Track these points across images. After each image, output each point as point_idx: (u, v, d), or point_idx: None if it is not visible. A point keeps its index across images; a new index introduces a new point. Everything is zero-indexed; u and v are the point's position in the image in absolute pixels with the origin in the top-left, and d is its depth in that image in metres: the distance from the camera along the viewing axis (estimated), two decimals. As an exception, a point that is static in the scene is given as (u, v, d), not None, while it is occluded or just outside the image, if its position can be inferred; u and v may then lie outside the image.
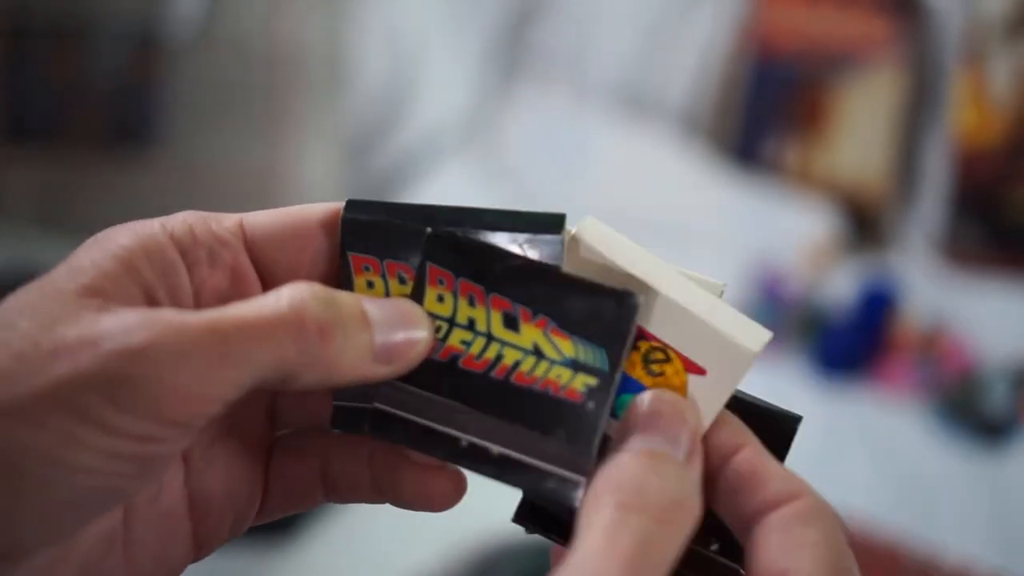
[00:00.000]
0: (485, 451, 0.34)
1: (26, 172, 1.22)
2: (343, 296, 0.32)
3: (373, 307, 0.33)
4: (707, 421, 0.33)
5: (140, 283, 0.32)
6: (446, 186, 1.31)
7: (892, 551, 0.96)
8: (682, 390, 0.33)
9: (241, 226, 0.34)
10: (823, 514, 0.32)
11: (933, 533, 0.97)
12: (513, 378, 0.34)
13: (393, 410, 0.34)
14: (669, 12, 1.41)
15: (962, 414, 1.09)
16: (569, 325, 0.33)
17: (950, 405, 1.10)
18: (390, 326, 0.33)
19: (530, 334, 0.33)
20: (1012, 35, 1.30)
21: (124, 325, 0.29)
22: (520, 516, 0.36)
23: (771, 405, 0.35)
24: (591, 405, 0.33)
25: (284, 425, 0.38)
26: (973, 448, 1.08)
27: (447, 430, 0.34)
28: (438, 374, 0.34)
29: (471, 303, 0.34)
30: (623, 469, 0.31)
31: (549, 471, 0.33)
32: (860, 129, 1.35)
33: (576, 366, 0.33)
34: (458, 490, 0.36)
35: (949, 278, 1.28)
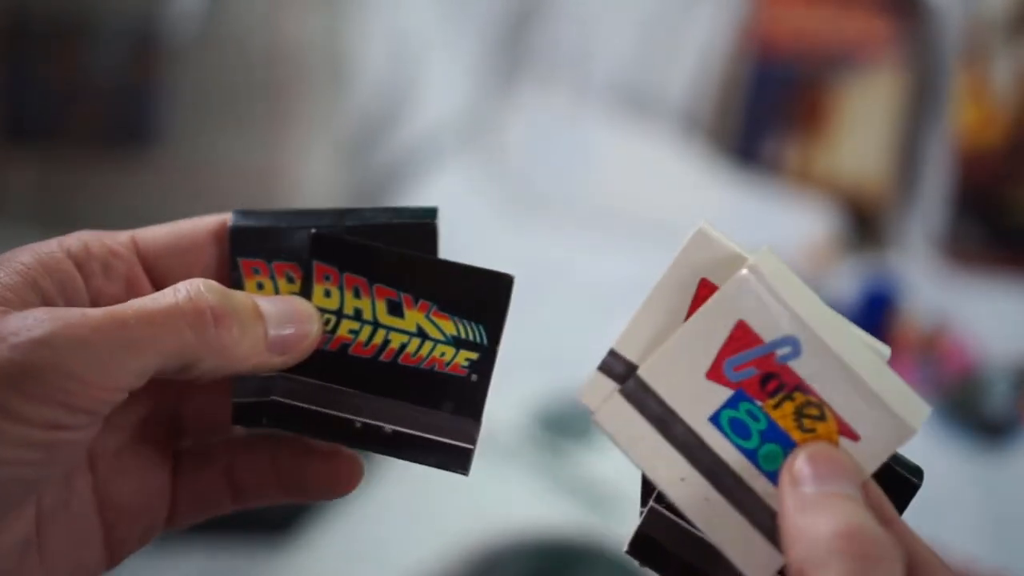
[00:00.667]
0: (379, 430, 0.36)
1: (26, 172, 1.22)
2: (236, 292, 0.34)
3: (265, 303, 0.35)
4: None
5: (40, 293, 0.33)
6: (446, 186, 1.31)
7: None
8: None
9: (134, 240, 0.36)
10: (883, 562, 0.29)
11: (933, 533, 0.97)
12: (400, 360, 0.36)
13: (290, 401, 0.36)
14: (669, 12, 1.41)
15: (963, 414, 1.09)
16: (449, 307, 0.35)
17: (951, 405, 1.10)
18: (281, 320, 0.35)
19: (413, 318, 0.36)
20: (1013, 35, 1.30)
21: (28, 321, 0.31)
22: (634, 549, 0.35)
23: (899, 459, 0.34)
24: (474, 377, 0.36)
25: (188, 434, 0.39)
26: (974, 448, 1.08)
27: (342, 414, 0.36)
28: (330, 363, 0.36)
29: (356, 295, 0.36)
30: (831, 516, 0.30)
31: (440, 442, 0.36)
32: (860, 129, 1.35)
33: (458, 343, 0.36)
34: (356, 474, 0.38)
35: (950, 278, 1.28)
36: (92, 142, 1.23)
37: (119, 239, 0.36)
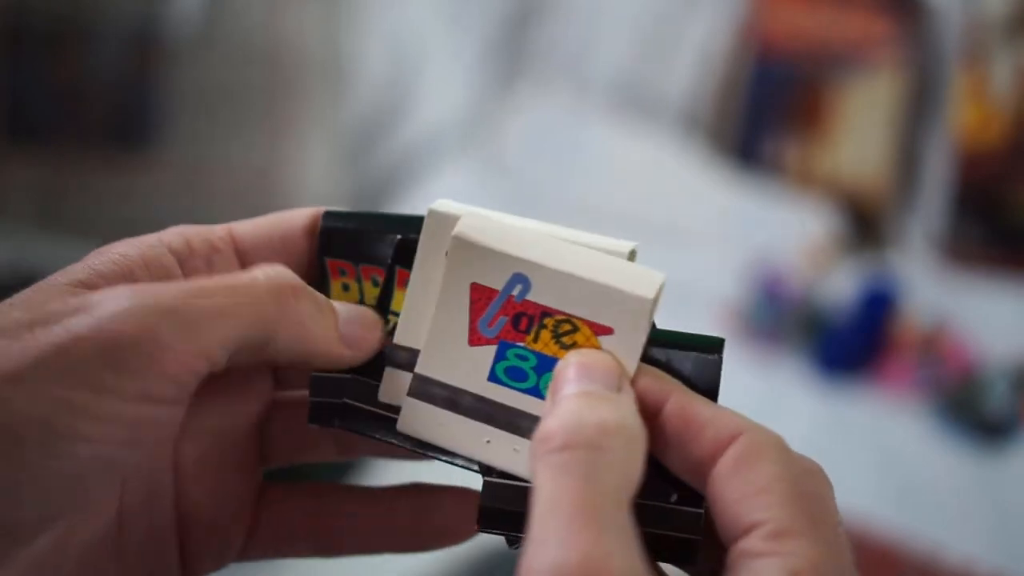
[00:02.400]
0: None
1: (26, 172, 1.22)
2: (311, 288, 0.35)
3: (337, 304, 0.35)
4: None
5: (133, 282, 0.33)
6: (446, 186, 1.31)
7: (892, 551, 0.96)
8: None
9: (231, 233, 0.36)
10: (768, 446, 0.30)
11: (933, 533, 0.97)
12: None
13: (359, 404, 0.36)
14: (669, 12, 1.41)
15: (963, 414, 1.09)
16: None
17: (951, 405, 1.10)
18: (349, 317, 0.35)
19: None
20: (1013, 34, 1.30)
21: (113, 293, 0.30)
22: (485, 525, 0.35)
23: (689, 336, 0.35)
24: None
25: (274, 456, 0.38)
26: (974, 448, 1.08)
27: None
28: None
29: None
30: (555, 416, 0.30)
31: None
32: (860, 129, 1.35)
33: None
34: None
35: (950, 278, 1.28)
36: (92, 142, 1.23)
37: (218, 233, 0.36)
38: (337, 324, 0.34)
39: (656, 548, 0.33)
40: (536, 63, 1.44)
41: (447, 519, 0.38)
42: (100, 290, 0.31)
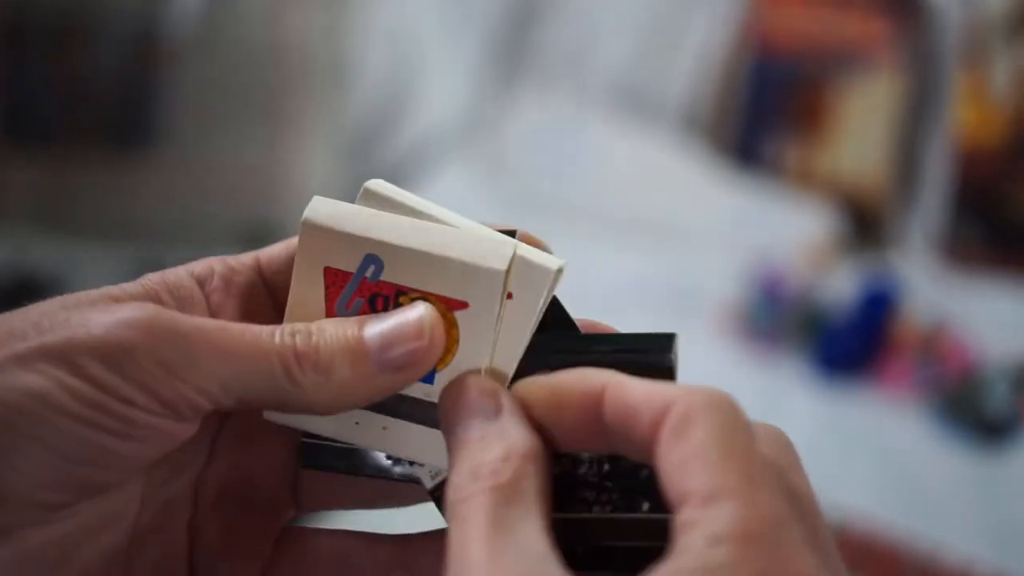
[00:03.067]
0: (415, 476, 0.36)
1: (26, 172, 1.22)
2: (331, 329, 0.34)
3: (372, 325, 0.34)
4: (520, 349, 0.34)
5: (158, 303, 0.34)
6: (446, 186, 1.31)
7: (892, 551, 0.96)
8: (452, 327, 0.34)
9: (257, 259, 0.37)
10: (700, 409, 0.29)
11: (933, 533, 0.97)
12: None
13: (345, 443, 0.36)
14: (669, 12, 1.41)
15: (962, 414, 1.09)
16: None
17: (950, 405, 1.10)
18: (386, 343, 0.34)
19: None
20: (1012, 34, 1.30)
21: (132, 305, 0.32)
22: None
23: (638, 337, 0.34)
24: None
25: (308, 503, 0.38)
26: (973, 448, 1.08)
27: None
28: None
29: None
30: (455, 469, 0.31)
31: None
32: (860, 128, 1.35)
33: None
34: None
35: (949, 278, 1.28)
36: (93, 142, 1.23)
37: (242, 259, 0.37)
38: (359, 370, 0.33)
39: (636, 563, 0.30)
40: (536, 64, 1.44)
41: None
42: (125, 303, 0.33)
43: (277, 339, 0.33)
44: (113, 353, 0.31)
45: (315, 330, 0.33)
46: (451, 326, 0.34)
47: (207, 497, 0.36)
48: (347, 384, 0.33)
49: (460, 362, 0.34)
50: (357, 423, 0.35)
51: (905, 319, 1.17)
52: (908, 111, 1.35)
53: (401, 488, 0.37)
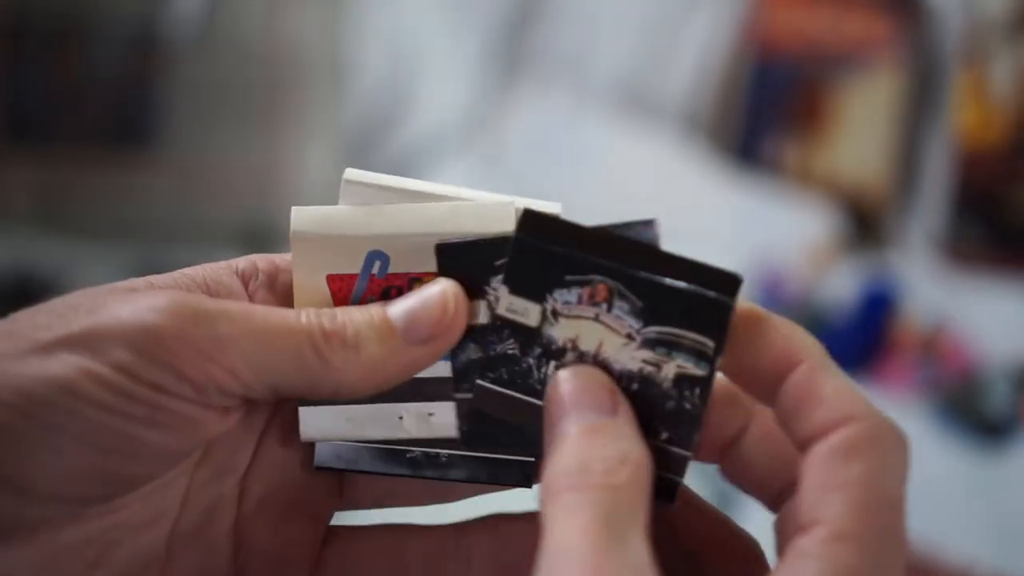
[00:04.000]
0: (436, 455, 0.35)
1: (26, 172, 1.22)
2: (357, 313, 0.33)
3: (397, 305, 0.33)
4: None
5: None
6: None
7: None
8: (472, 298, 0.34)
9: None
10: (876, 442, 0.29)
11: (933, 533, 0.97)
12: None
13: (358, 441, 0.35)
14: (669, 12, 1.41)
15: (963, 414, 1.09)
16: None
17: (951, 405, 1.10)
18: (413, 317, 0.33)
19: None
20: (1013, 34, 1.29)
21: (156, 291, 0.32)
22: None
23: (698, 267, 0.33)
24: None
25: (358, 500, 0.37)
26: (974, 449, 1.08)
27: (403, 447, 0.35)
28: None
29: None
30: (564, 455, 0.30)
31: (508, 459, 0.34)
32: (860, 128, 1.34)
33: None
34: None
35: (950, 278, 1.28)
36: (92, 142, 1.23)
37: (286, 258, 0.36)
38: (388, 345, 0.33)
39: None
40: (536, 63, 1.44)
41: (528, 548, 0.35)
42: (151, 291, 0.32)
43: (303, 318, 0.32)
44: (140, 337, 0.30)
45: (340, 311, 0.33)
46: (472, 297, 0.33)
47: (252, 500, 0.35)
48: (377, 359, 0.32)
49: None
50: (401, 417, 0.34)
51: (905, 319, 1.17)
52: (909, 111, 1.35)
53: (449, 484, 0.36)
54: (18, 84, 1.22)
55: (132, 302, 0.31)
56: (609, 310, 0.33)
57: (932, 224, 1.32)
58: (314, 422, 0.34)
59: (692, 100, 1.41)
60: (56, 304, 0.31)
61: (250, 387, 0.31)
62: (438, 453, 0.35)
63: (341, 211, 0.34)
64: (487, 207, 0.33)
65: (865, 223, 1.33)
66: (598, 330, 0.33)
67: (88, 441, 0.30)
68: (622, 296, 0.33)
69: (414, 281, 0.33)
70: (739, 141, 1.38)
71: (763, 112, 1.37)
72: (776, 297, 1.19)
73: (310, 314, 0.32)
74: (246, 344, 0.31)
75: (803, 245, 1.26)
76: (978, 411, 1.09)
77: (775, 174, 1.35)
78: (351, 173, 0.35)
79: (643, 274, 0.33)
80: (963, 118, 1.30)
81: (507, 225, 0.33)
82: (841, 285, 1.22)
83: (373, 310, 0.33)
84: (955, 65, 1.33)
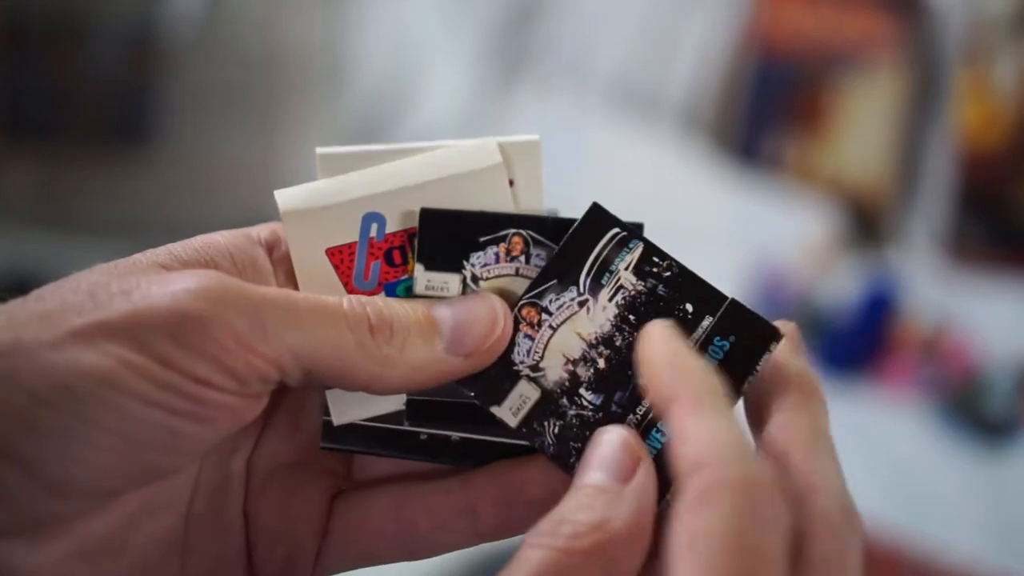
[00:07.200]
0: (446, 439, 0.35)
1: (26, 171, 1.22)
2: (405, 306, 0.33)
3: (443, 308, 0.33)
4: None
5: (213, 267, 0.32)
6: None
7: (894, 552, 0.95)
8: None
9: None
10: (724, 488, 0.27)
11: (934, 533, 0.97)
12: None
13: (374, 422, 0.35)
14: (670, 11, 1.41)
15: (965, 414, 1.09)
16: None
17: (952, 405, 1.10)
18: (458, 326, 0.33)
19: None
20: (1015, 34, 1.29)
21: (198, 273, 0.30)
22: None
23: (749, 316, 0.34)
24: None
25: (362, 473, 0.37)
26: (975, 448, 1.07)
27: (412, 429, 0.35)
28: None
29: None
30: (557, 508, 0.30)
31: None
32: (862, 128, 1.34)
33: None
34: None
35: (952, 277, 1.28)
36: (91, 142, 1.23)
37: None
38: (430, 351, 0.32)
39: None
40: (536, 62, 1.44)
41: (536, 492, 0.35)
42: (183, 271, 0.31)
43: (346, 305, 0.31)
44: (183, 327, 0.29)
45: (383, 303, 0.32)
46: None
47: (260, 476, 0.35)
48: (416, 363, 0.32)
49: None
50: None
51: (907, 319, 1.17)
52: (910, 110, 1.34)
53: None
54: (18, 83, 1.22)
55: (168, 284, 0.30)
56: (528, 261, 0.33)
57: (934, 223, 1.32)
58: (342, 407, 0.34)
59: (693, 99, 1.41)
60: (81, 282, 0.30)
61: (288, 374, 0.31)
62: (448, 436, 0.34)
63: (326, 183, 0.34)
64: (469, 146, 0.33)
65: (866, 222, 1.33)
66: (521, 284, 0.33)
67: (127, 435, 0.29)
68: (537, 243, 0.33)
69: (413, 236, 0.33)
70: (740, 140, 1.38)
71: (764, 111, 1.37)
72: (776, 297, 1.19)
73: (354, 305, 0.32)
74: (291, 337, 0.30)
75: (805, 244, 1.26)
76: (980, 411, 1.09)
77: (776, 173, 1.35)
78: (326, 150, 0.34)
79: (549, 217, 0.33)
80: (965, 117, 1.30)
81: (493, 158, 0.33)
82: (842, 285, 1.22)
83: (419, 309, 0.33)
84: (956, 64, 1.33)
